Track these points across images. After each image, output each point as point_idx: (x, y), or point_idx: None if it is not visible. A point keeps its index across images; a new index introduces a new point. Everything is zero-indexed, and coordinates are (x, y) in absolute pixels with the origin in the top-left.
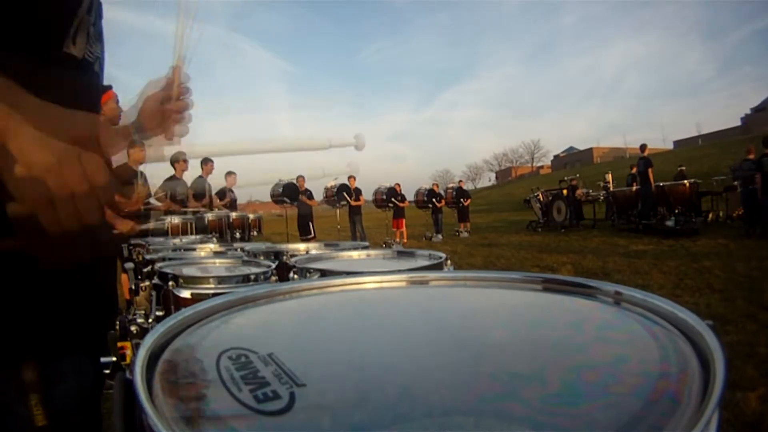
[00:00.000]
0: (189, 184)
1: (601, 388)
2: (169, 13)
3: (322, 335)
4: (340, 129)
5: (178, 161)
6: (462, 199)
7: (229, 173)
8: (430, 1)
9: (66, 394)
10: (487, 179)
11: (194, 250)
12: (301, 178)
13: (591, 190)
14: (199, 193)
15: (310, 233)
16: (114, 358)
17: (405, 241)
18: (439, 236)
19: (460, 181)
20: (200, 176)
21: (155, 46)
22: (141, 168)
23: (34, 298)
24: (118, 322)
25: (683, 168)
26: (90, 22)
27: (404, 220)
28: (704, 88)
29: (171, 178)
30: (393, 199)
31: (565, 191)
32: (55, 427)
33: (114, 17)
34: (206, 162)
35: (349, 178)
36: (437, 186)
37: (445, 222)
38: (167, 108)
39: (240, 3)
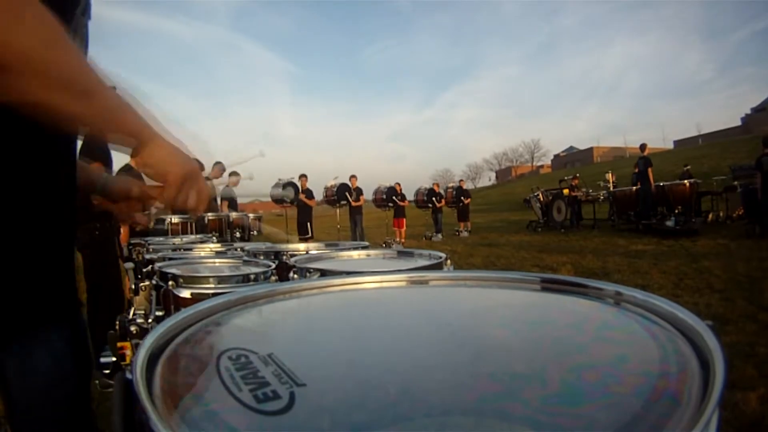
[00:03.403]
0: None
1: (601, 388)
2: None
3: (322, 335)
4: (341, 129)
5: None
6: (462, 198)
7: (232, 173)
8: (432, 1)
9: (34, 380)
10: (487, 179)
11: (194, 249)
12: (303, 177)
13: (591, 190)
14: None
15: (308, 233)
16: (114, 358)
17: (403, 240)
18: (439, 236)
19: (461, 180)
20: (206, 178)
21: (152, 45)
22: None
23: None
24: (117, 322)
25: (689, 167)
26: (83, 24)
27: (405, 220)
28: (704, 88)
29: None
30: (393, 198)
31: (566, 191)
32: (20, 417)
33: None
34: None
35: (351, 177)
36: (437, 185)
37: (445, 222)
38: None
39: (242, 3)
